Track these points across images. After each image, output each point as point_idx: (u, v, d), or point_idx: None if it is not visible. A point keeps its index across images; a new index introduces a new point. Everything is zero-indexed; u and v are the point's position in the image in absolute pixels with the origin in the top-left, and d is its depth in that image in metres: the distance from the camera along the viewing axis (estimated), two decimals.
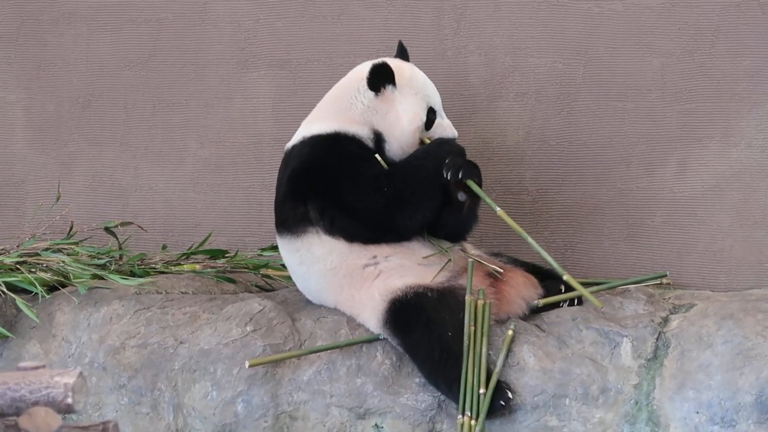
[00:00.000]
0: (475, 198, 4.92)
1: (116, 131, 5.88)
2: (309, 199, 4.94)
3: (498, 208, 4.88)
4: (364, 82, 5.02)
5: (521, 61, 5.52)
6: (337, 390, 4.78)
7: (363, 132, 5.01)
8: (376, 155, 4.97)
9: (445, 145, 4.96)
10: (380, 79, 4.99)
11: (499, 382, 4.65)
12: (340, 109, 5.05)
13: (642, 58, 5.42)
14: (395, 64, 5.06)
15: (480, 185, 4.87)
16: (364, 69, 5.07)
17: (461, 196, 4.91)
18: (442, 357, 4.67)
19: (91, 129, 5.90)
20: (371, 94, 5.02)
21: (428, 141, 5.04)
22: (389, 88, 5.01)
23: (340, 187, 4.89)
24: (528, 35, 5.51)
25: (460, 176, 4.84)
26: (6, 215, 5.93)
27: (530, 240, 4.85)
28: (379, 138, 5.01)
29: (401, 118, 5.00)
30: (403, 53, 5.22)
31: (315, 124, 5.08)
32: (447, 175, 4.84)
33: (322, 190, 4.92)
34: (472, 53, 5.56)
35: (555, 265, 4.84)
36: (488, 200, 4.90)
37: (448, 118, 5.11)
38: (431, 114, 5.06)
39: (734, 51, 5.35)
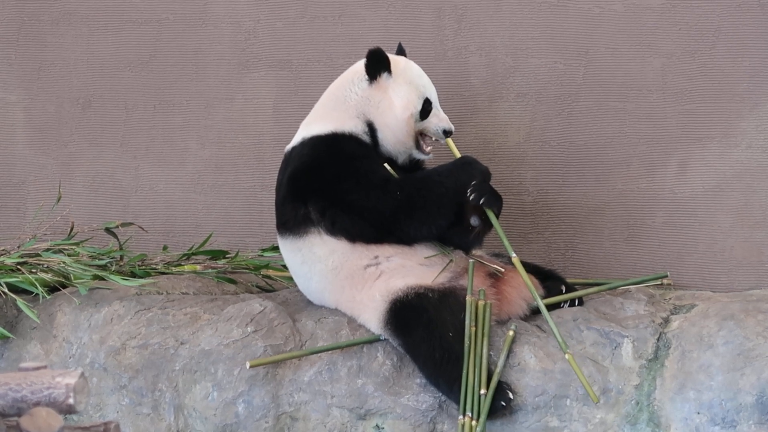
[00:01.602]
0: (486, 226, 4.91)
1: (117, 132, 5.88)
2: (310, 200, 4.93)
3: (514, 254, 4.85)
4: (359, 75, 5.03)
5: (522, 62, 5.52)
6: (338, 391, 4.78)
7: (358, 128, 5.01)
8: (386, 164, 4.96)
9: (469, 167, 4.92)
10: (377, 64, 4.99)
11: (499, 383, 4.65)
12: (336, 106, 5.05)
13: (642, 59, 5.43)
14: (391, 55, 5.07)
15: (498, 216, 4.86)
16: (357, 65, 5.08)
17: (474, 221, 4.90)
18: (443, 357, 4.67)
19: (92, 130, 5.90)
20: (365, 84, 5.02)
21: (424, 134, 5.04)
22: (384, 75, 5.01)
23: (341, 186, 4.89)
24: (529, 36, 5.51)
25: (481, 202, 4.84)
26: (7, 216, 5.93)
27: (532, 289, 4.82)
28: (372, 129, 5.01)
29: (394, 106, 5.00)
30: (401, 54, 5.22)
31: (313, 125, 5.08)
32: (470, 196, 4.83)
33: (323, 191, 4.91)
34: (473, 54, 5.56)
35: (544, 310, 4.80)
36: (506, 241, 4.85)
37: (449, 118, 5.10)
38: (427, 104, 5.06)
39: (735, 51, 5.35)
